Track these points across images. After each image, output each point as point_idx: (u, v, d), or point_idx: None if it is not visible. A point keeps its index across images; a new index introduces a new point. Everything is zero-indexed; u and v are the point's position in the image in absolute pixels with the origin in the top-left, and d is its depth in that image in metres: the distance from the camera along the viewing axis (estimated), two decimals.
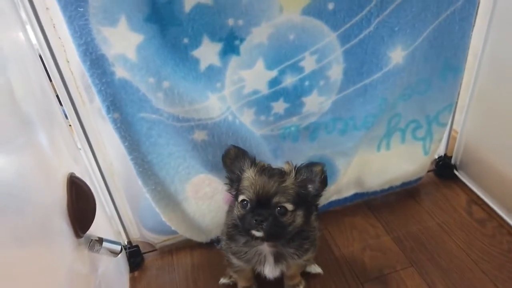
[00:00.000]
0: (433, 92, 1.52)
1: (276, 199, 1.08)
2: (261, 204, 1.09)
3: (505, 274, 1.39)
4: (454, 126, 1.76)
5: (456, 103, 1.62)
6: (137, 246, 1.58)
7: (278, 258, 1.24)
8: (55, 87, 1.17)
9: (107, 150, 1.36)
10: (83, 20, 1.01)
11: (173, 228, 1.52)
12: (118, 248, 1.17)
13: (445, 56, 1.44)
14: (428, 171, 1.80)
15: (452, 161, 1.82)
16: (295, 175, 1.11)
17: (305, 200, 1.14)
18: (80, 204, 1.00)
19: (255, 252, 1.24)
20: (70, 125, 1.26)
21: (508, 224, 1.56)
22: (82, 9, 0.98)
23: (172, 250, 1.63)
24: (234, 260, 1.29)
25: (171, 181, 1.40)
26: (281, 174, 1.11)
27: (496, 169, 1.60)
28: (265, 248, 1.22)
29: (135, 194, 1.54)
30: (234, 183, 1.16)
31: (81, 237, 1.03)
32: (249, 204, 1.10)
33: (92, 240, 1.09)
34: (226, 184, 1.19)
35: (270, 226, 1.08)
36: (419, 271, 1.45)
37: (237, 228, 1.21)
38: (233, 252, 1.26)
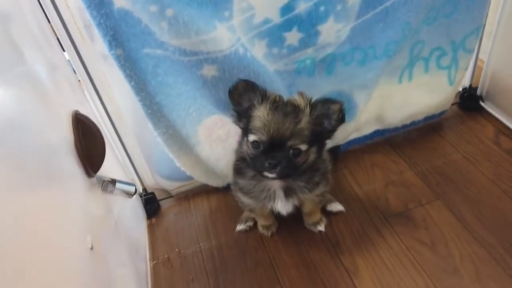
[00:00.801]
0: (459, 14, 1.39)
1: (291, 142, 1.02)
2: (275, 146, 1.02)
3: None
4: (480, 56, 1.64)
5: (484, 26, 1.49)
6: (152, 193, 1.55)
7: (288, 193, 1.19)
8: (54, 28, 1.09)
9: (113, 92, 1.29)
10: None
11: (187, 173, 1.47)
12: (133, 188, 1.13)
13: None
14: (452, 104, 1.70)
15: (478, 92, 1.72)
16: (310, 112, 1.04)
17: (320, 137, 1.08)
18: (88, 142, 0.96)
19: (264, 187, 1.19)
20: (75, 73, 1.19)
21: None
22: None
23: (189, 196, 1.60)
24: (243, 198, 1.24)
25: (182, 123, 1.34)
26: (296, 111, 1.03)
27: None
28: (275, 183, 1.17)
29: (147, 140, 1.49)
30: (242, 116, 1.09)
31: (93, 176, 0.99)
32: (261, 146, 1.03)
33: (104, 180, 1.05)
34: (233, 116, 1.12)
35: (284, 169, 1.03)
36: (446, 203, 1.39)
37: (245, 161, 1.15)
38: (241, 188, 1.21)
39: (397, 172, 1.54)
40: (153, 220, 1.53)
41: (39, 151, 0.76)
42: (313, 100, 1.04)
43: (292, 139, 1.01)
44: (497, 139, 1.58)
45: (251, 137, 1.04)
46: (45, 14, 1.07)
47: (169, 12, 1.06)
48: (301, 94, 1.07)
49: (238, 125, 1.12)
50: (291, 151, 1.03)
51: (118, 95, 1.30)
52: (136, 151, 1.45)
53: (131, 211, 1.36)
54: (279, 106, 1.03)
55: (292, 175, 1.12)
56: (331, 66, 1.39)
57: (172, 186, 1.59)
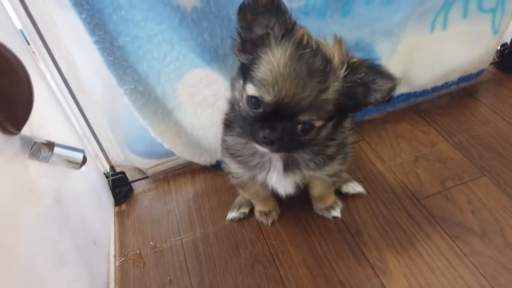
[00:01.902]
0: None
1: (305, 117, 0.70)
2: (279, 112, 0.70)
3: None
4: None
5: None
6: (122, 173, 1.23)
7: (289, 166, 0.88)
8: None
9: (62, 34, 0.96)
10: None
11: (166, 146, 1.17)
12: (80, 155, 0.81)
13: None
14: (490, 64, 1.40)
15: None
16: (346, 75, 0.71)
17: (344, 110, 0.76)
18: (5, 84, 0.64)
19: (257, 151, 0.86)
20: None
21: None
22: None
23: (168, 176, 1.29)
24: (231, 164, 0.93)
25: (156, 78, 1.04)
26: (325, 69, 0.70)
27: None
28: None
29: (113, 104, 1.17)
30: (247, 47, 0.75)
31: (14, 134, 0.67)
32: (262, 107, 0.71)
33: (36, 142, 0.73)
34: (234, 41, 0.77)
35: (284, 144, 0.73)
36: (494, 180, 1.11)
37: (235, 111, 0.83)
38: (227, 147, 0.90)
39: (429, 143, 1.24)
40: (123, 206, 1.21)
41: None
42: (355, 60, 0.72)
43: (308, 113, 0.70)
44: None
45: (250, 90, 0.72)
46: None
47: None
48: (339, 41, 0.73)
49: (237, 56, 0.78)
50: (299, 126, 0.72)
51: (68, 36, 0.98)
52: (99, 118, 1.13)
53: (89, 192, 1.05)
54: (305, 54, 0.70)
55: (293, 151, 0.83)
56: (348, 4, 1.08)
57: (147, 164, 1.27)
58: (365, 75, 0.71)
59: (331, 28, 1.11)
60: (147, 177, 1.28)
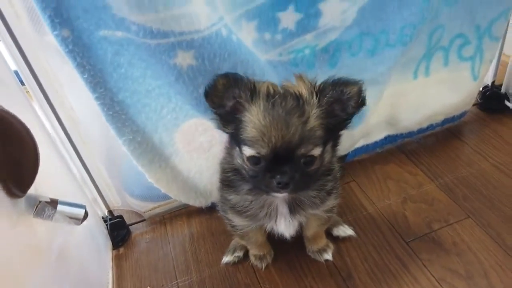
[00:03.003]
0: None
1: (302, 151, 0.76)
2: (280, 157, 0.76)
3: None
4: (505, 50, 1.41)
5: None
6: (120, 216, 1.27)
7: (294, 208, 0.92)
8: None
9: (63, 90, 1.02)
10: None
11: (163, 191, 1.20)
12: (81, 212, 0.85)
13: None
14: (473, 105, 1.47)
15: (502, 90, 1.50)
16: (319, 100, 0.78)
17: (334, 129, 0.82)
18: (10, 149, 0.69)
19: (263, 202, 0.92)
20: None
21: None
22: None
23: (165, 219, 1.33)
24: (236, 219, 0.97)
25: (154, 129, 1.08)
26: (299, 104, 0.76)
27: None
28: (277, 197, 0.90)
29: (112, 150, 1.22)
30: (228, 120, 0.82)
31: (20, 196, 0.71)
32: (262, 161, 0.77)
33: (40, 202, 0.77)
34: (215, 121, 0.84)
35: (298, 183, 0.78)
36: (478, 222, 1.15)
37: (237, 172, 0.88)
38: (233, 205, 0.94)
39: (416, 185, 1.29)
40: (121, 250, 1.24)
41: None
42: (319, 84, 0.79)
43: (303, 146, 0.75)
44: None
45: (247, 151, 0.78)
46: None
47: None
48: (300, 77, 0.81)
49: (223, 131, 0.85)
50: (302, 160, 0.77)
51: (70, 92, 1.03)
52: (97, 164, 1.17)
53: (88, 240, 1.08)
54: (276, 101, 0.76)
55: (308, 188, 0.88)
56: (335, 57, 1.15)
57: (144, 207, 1.31)
58: (333, 92, 0.78)
59: (319, 78, 1.18)
60: (144, 220, 1.31)
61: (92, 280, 1.02)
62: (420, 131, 1.41)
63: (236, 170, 0.88)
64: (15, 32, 0.88)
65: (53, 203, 0.80)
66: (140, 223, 1.31)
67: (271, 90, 0.79)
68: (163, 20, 0.88)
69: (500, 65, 1.47)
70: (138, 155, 1.10)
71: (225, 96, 0.79)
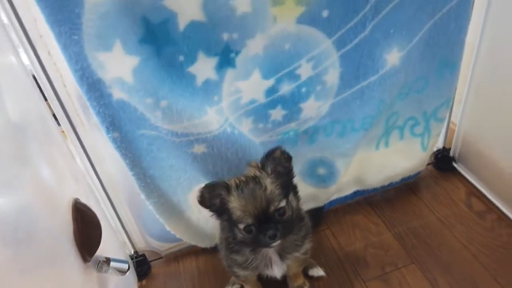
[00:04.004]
0: (430, 90, 1.52)
1: (272, 208, 1.10)
2: (262, 219, 1.11)
3: (505, 268, 1.42)
4: (452, 118, 1.76)
5: (454, 97, 1.62)
6: (143, 255, 1.60)
7: (282, 254, 1.27)
8: (53, 108, 1.17)
9: (108, 167, 1.36)
10: (78, 47, 1.00)
11: (177, 236, 1.54)
12: (126, 266, 1.19)
13: (442, 53, 1.44)
14: (428, 164, 1.82)
15: (451, 154, 1.84)
16: (265, 171, 1.14)
17: (287, 183, 1.17)
18: (86, 230, 1.02)
19: (261, 256, 1.26)
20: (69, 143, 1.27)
21: (507, 216, 1.58)
22: (76, 37, 0.98)
23: (178, 256, 1.66)
24: (241, 272, 1.31)
25: (173, 192, 1.42)
26: (257, 181, 1.12)
27: (494, 161, 1.61)
28: (270, 249, 1.24)
29: (138, 204, 1.56)
30: (222, 212, 1.16)
31: (89, 261, 1.05)
32: (252, 227, 1.12)
33: (100, 261, 1.10)
34: (213, 216, 1.19)
35: (283, 230, 1.12)
36: (420, 267, 1.48)
37: (242, 242, 1.22)
38: (240, 264, 1.28)
39: (376, 233, 1.63)
40: (144, 282, 1.58)
41: (41, 243, 0.82)
42: (259, 164, 1.15)
43: (272, 205, 1.10)
44: (469, 201, 1.69)
45: (241, 226, 1.13)
46: (43, 94, 1.14)
47: (164, 103, 1.15)
48: (250, 164, 1.19)
49: (221, 221, 1.21)
50: (276, 214, 1.12)
51: (112, 167, 1.38)
52: (128, 216, 1.52)
53: (124, 278, 1.42)
54: (243, 187, 1.11)
55: (292, 230, 1.20)
56: (313, 137, 1.49)
57: (163, 247, 1.65)
58: (269, 162, 1.14)
59: (301, 151, 1.51)
60: (162, 257, 1.65)
61: None
62: (383, 187, 1.75)
63: (239, 241, 1.22)
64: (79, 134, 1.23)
65: (107, 261, 1.14)
66: (159, 260, 1.64)
67: (237, 182, 1.14)
68: (185, 127, 1.22)
69: (450, 131, 1.81)
70: (161, 212, 1.44)
71: (212, 198, 1.14)
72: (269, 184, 1.12)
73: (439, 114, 1.60)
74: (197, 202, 1.47)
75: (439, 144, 1.85)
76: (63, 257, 0.93)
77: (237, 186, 1.12)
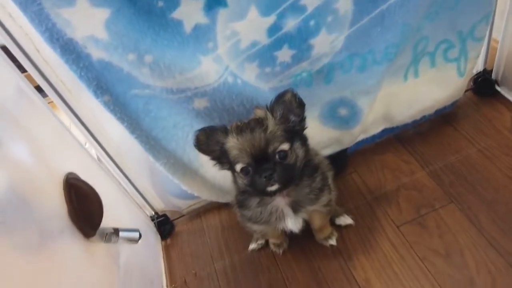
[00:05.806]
0: (465, 4, 1.28)
1: (271, 148, 1.01)
2: (261, 160, 1.01)
3: None
4: (494, 35, 1.52)
5: (495, 10, 1.37)
6: (164, 215, 1.57)
7: (295, 207, 1.18)
8: (35, 79, 1.07)
9: (110, 135, 1.28)
10: (35, 6, 0.87)
11: (195, 194, 1.48)
12: (136, 235, 1.14)
13: None
14: (466, 91, 1.61)
15: (493, 76, 1.61)
16: (272, 114, 1.04)
17: (295, 131, 1.07)
18: (83, 205, 0.96)
19: (271, 209, 1.17)
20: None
21: None
22: None
23: (201, 213, 1.61)
24: (254, 227, 1.24)
25: (182, 151, 1.33)
26: (260, 122, 1.02)
27: None
28: (280, 201, 1.15)
29: (152, 167, 1.49)
30: (222, 158, 1.07)
31: (93, 235, 1.00)
32: (250, 168, 1.02)
33: (107, 233, 1.06)
34: (215, 164, 1.11)
35: (281, 174, 1.02)
36: (460, 206, 1.35)
37: (246, 193, 1.14)
38: (249, 218, 1.20)
39: (409, 173, 1.49)
40: (168, 241, 1.56)
41: (33, 224, 0.77)
42: (268, 107, 1.04)
43: (271, 145, 1.01)
44: None
45: (238, 167, 1.03)
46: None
47: (148, 58, 1.03)
48: (257, 108, 1.08)
49: (224, 169, 1.11)
50: (276, 156, 1.02)
51: (114, 134, 1.29)
52: (142, 180, 1.46)
53: (142, 246, 1.39)
54: (243, 127, 1.03)
55: (294, 179, 1.10)
56: (330, 75, 1.32)
57: (184, 204, 1.60)
58: (279, 104, 1.03)
59: (318, 92, 1.36)
60: (184, 215, 1.61)
61: (148, 277, 1.34)
62: (415, 122, 1.58)
63: (243, 192, 1.13)
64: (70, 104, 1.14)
65: (116, 231, 1.09)
66: (181, 218, 1.61)
67: (239, 124, 1.04)
68: (179, 82, 1.10)
69: (491, 50, 1.56)
70: (173, 172, 1.37)
71: (209, 143, 1.05)
72: (271, 124, 1.01)
73: (477, 33, 1.36)
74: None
75: (479, 67, 1.62)
76: (59, 236, 0.88)
77: (236, 128, 1.03)
